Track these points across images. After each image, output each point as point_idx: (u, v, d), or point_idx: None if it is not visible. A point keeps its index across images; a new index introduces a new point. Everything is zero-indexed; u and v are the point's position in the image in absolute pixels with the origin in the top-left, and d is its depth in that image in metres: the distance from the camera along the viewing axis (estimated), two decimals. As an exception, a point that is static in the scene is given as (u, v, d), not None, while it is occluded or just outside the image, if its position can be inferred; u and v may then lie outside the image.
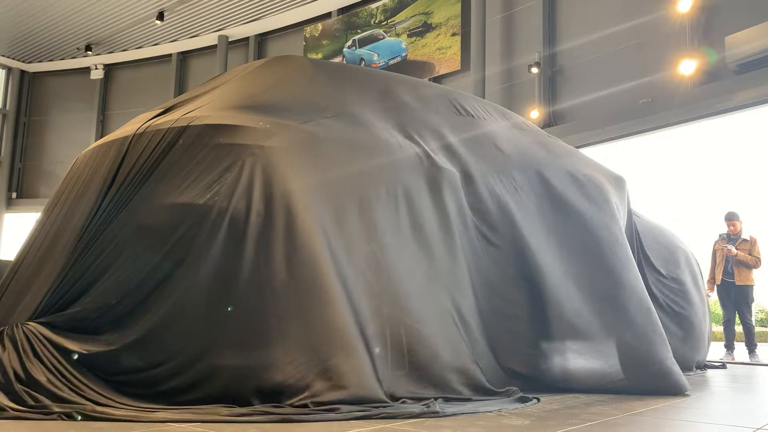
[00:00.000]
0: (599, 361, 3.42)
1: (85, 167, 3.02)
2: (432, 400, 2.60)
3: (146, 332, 2.49)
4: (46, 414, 2.15)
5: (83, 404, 2.25)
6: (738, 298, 7.44)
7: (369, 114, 3.42)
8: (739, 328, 7.76)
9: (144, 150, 2.82)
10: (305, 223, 2.65)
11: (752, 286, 7.42)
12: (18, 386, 2.27)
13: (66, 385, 2.33)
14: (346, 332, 2.51)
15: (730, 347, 7.49)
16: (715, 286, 7.61)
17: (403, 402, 2.52)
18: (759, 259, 7.35)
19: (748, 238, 7.45)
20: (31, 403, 2.22)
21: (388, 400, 2.47)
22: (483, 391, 2.88)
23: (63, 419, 2.13)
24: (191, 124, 2.86)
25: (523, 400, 2.83)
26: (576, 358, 3.38)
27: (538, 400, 2.92)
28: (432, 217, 3.19)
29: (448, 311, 3.04)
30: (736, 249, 7.37)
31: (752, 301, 7.49)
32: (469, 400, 2.75)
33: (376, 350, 2.59)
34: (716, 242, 7.66)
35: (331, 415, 2.24)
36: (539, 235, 3.60)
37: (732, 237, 7.51)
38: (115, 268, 2.59)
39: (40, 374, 2.33)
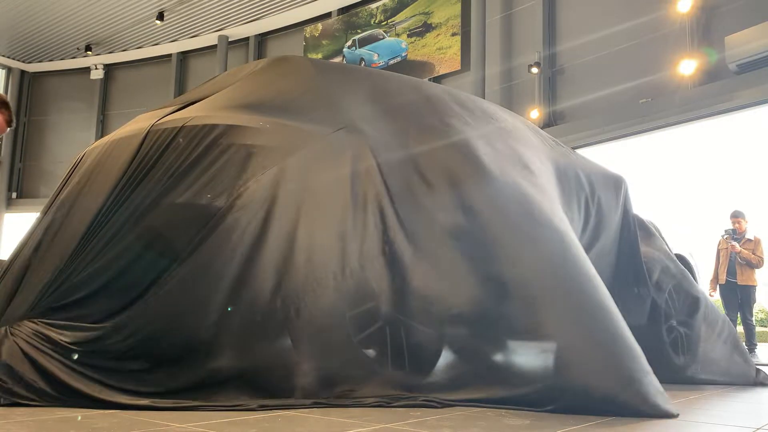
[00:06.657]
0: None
1: (93, 165, 2.99)
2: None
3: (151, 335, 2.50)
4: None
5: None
6: (740, 298, 7.45)
7: (372, 114, 3.41)
8: (739, 328, 7.76)
9: (154, 150, 2.80)
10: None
11: (755, 286, 7.43)
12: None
13: (65, 383, 2.33)
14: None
15: None
16: (718, 286, 7.62)
17: None
18: (762, 258, 7.36)
19: (753, 238, 7.46)
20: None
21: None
22: None
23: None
24: (198, 123, 2.85)
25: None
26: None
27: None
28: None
29: None
30: (740, 248, 7.38)
31: (754, 301, 7.50)
32: None
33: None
34: (720, 242, 7.66)
35: None
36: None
37: (737, 235, 7.51)
38: (120, 269, 2.58)
39: (35, 373, 2.34)
